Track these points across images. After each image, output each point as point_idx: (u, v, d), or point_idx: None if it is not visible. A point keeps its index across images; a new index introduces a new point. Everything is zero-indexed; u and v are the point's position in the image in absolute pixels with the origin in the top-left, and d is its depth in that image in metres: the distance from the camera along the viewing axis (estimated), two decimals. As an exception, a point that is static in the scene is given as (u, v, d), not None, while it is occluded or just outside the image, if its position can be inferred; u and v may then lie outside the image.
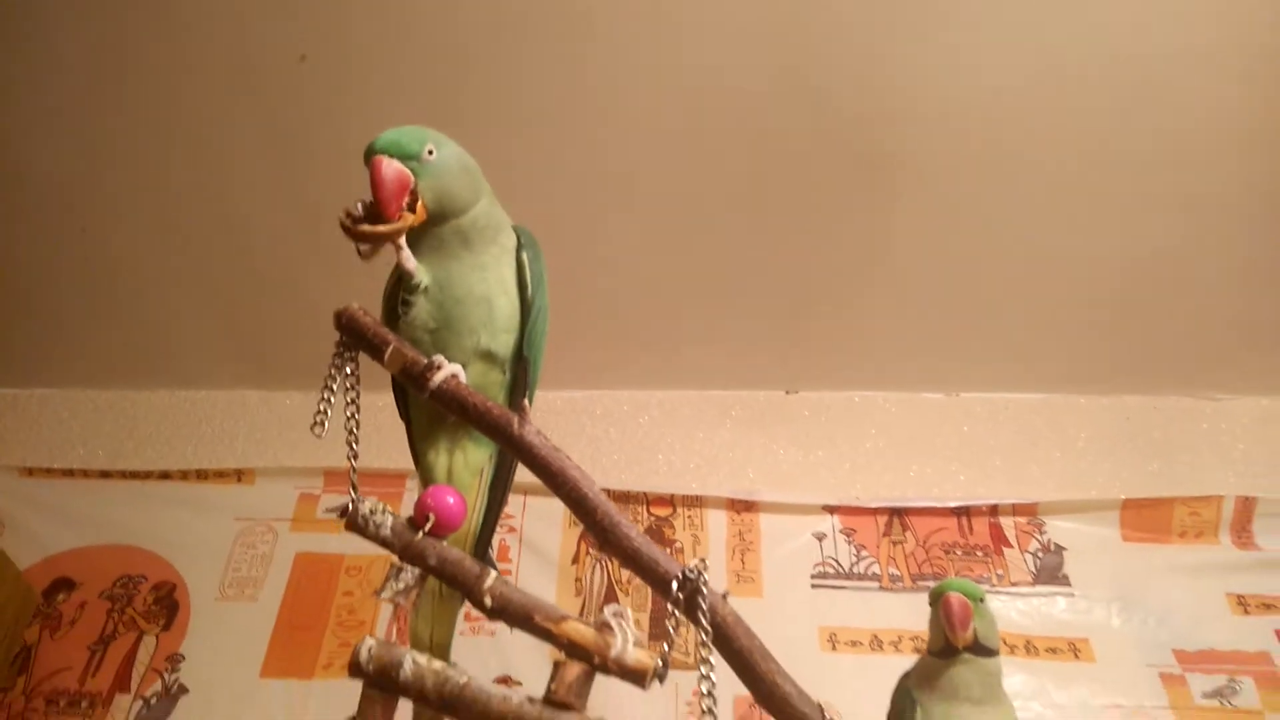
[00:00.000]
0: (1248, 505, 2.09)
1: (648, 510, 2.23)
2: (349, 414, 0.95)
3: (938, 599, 1.19)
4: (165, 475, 2.30)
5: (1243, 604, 2.00)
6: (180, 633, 2.05)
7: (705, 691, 0.82)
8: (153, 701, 1.94)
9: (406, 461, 1.12)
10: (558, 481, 0.89)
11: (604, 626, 0.85)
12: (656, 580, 0.88)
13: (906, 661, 1.93)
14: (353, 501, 0.93)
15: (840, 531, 2.17)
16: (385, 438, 2.36)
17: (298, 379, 2.48)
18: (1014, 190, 2.06)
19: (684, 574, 0.87)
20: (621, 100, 1.92)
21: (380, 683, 0.87)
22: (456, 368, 0.94)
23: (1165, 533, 2.11)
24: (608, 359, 2.40)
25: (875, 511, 2.20)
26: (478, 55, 1.89)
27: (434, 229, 0.98)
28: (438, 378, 0.92)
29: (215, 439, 2.39)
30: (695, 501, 2.23)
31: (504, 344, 1.00)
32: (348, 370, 0.95)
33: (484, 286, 0.99)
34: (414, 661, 0.87)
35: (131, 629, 2.05)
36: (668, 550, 2.19)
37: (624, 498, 2.23)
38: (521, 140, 1.95)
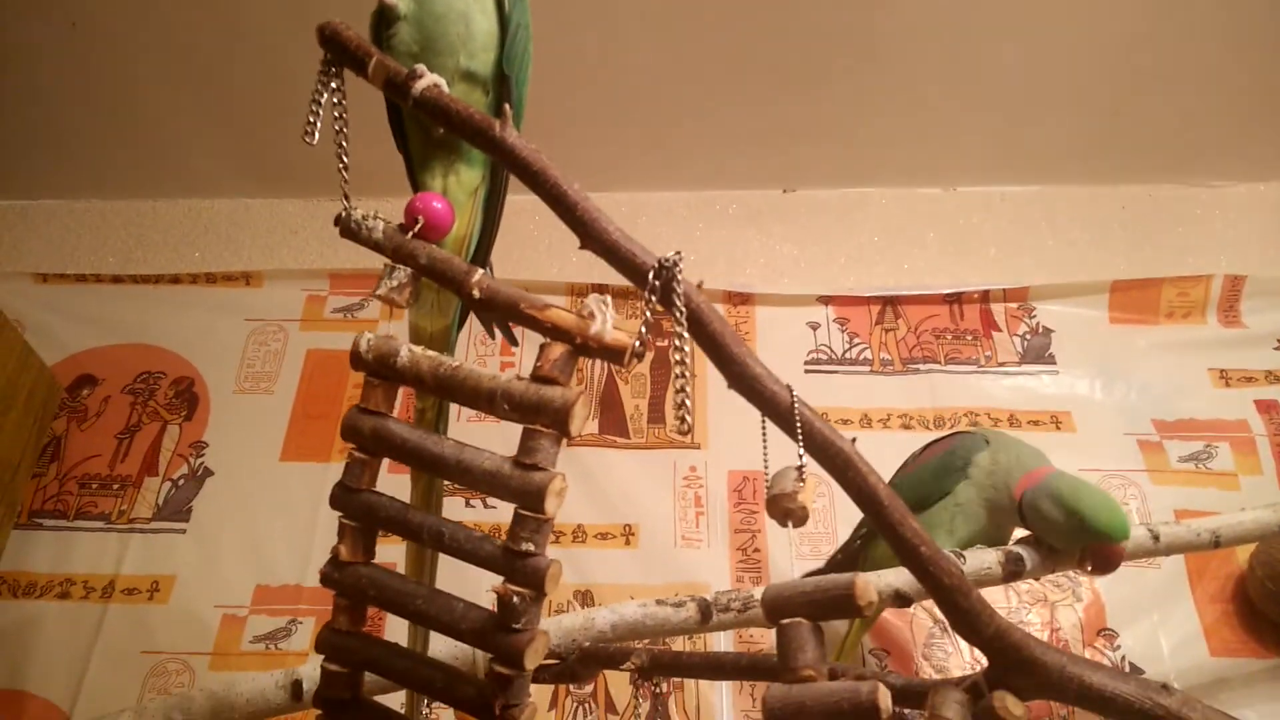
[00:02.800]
0: (1236, 284, 2.13)
1: (645, 306, 2.28)
2: (337, 128, 0.98)
3: (1100, 535, 1.22)
4: (175, 279, 2.35)
5: (1224, 378, 2.06)
6: (202, 423, 2.15)
7: (679, 360, 0.88)
8: (180, 483, 2.05)
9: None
10: (539, 181, 0.92)
11: (586, 311, 0.90)
12: (634, 271, 0.92)
13: (895, 437, 2.04)
14: (345, 209, 0.97)
15: (834, 321, 2.23)
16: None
17: (300, 187, 2.50)
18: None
19: (660, 262, 0.91)
20: None
21: (379, 371, 0.93)
22: (438, 78, 0.97)
23: (1153, 313, 2.15)
24: (604, 161, 2.40)
25: (869, 301, 2.25)
26: None
27: None
28: (419, 85, 0.94)
29: (222, 246, 2.43)
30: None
31: (484, 63, 1.03)
32: (333, 84, 0.97)
33: (462, 3, 1.01)
34: (409, 349, 0.93)
35: (155, 420, 2.15)
36: (665, 343, 2.26)
37: (622, 294, 2.28)
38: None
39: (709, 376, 2.13)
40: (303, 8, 2.05)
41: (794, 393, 0.93)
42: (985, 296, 2.21)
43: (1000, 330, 2.17)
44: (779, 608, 0.82)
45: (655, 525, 1.95)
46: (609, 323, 0.90)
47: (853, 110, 2.29)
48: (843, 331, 2.21)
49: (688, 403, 0.86)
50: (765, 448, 0.94)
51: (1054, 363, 2.11)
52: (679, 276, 0.91)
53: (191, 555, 1.95)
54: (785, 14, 2.08)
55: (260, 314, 2.30)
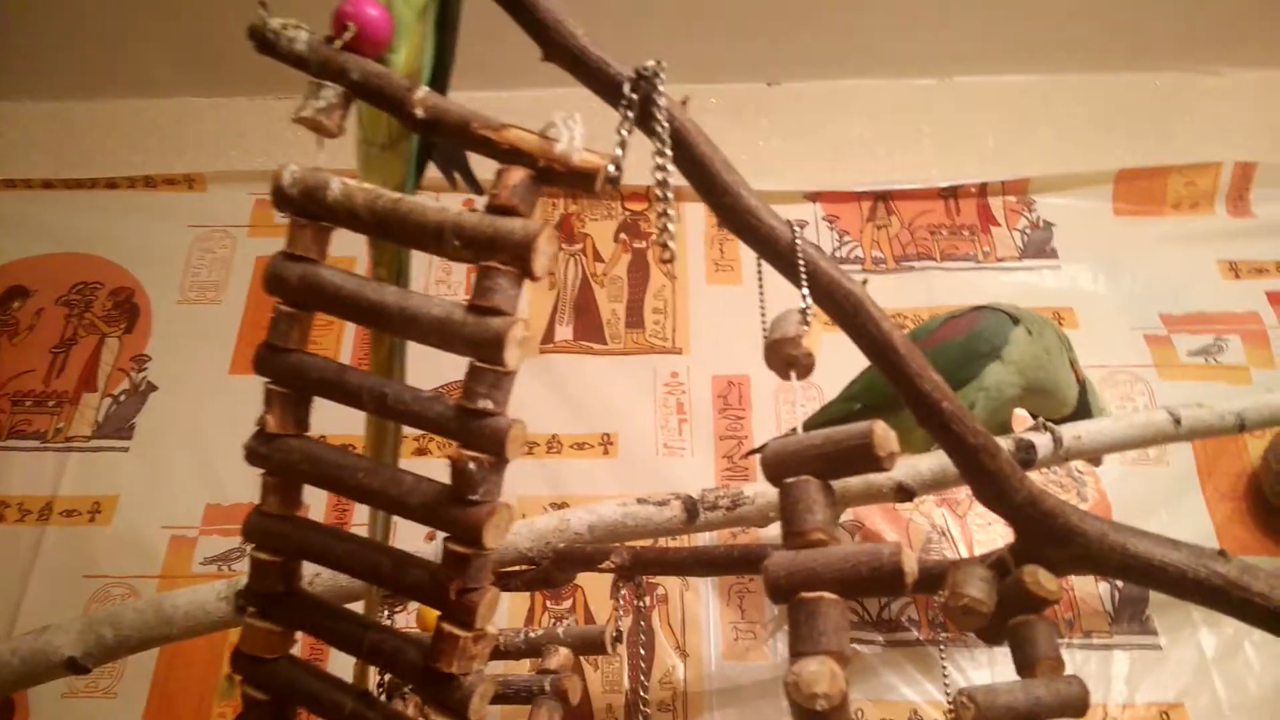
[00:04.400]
0: (1246, 172, 2.01)
1: (622, 205, 2.14)
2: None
3: None
4: (112, 184, 2.17)
5: (1234, 269, 1.95)
6: (143, 335, 1.99)
7: (661, 195, 0.74)
8: (121, 398, 1.90)
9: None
10: (491, -22, 0.77)
11: (549, 129, 0.76)
12: (606, 84, 0.78)
13: (888, 338, 1.91)
14: (261, 18, 0.81)
15: (823, 219, 2.09)
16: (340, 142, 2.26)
17: (247, 85, 2.31)
18: None
19: (638, 73, 0.77)
20: None
21: (307, 209, 0.79)
22: None
23: (1159, 204, 2.03)
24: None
25: (859, 196, 2.11)
26: None
27: None
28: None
29: (163, 148, 2.25)
30: (676, 195, 2.12)
31: None
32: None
33: None
34: (342, 182, 0.78)
35: (93, 332, 1.99)
36: (643, 244, 2.12)
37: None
38: None
39: (690, 275, 2.00)
40: None
41: (795, 229, 0.79)
42: (983, 190, 2.08)
43: (999, 225, 2.05)
44: (783, 465, 0.70)
45: (635, 434, 1.82)
46: (578, 140, 0.75)
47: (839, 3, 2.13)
48: (832, 229, 2.07)
49: (670, 227, 0.72)
50: (761, 292, 0.81)
51: (1056, 257, 1.99)
52: (660, 88, 0.76)
53: (136, 474, 1.81)
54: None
55: (205, 219, 2.13)
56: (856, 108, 2.26)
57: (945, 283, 1.97)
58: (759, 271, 0.81)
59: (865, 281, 0.79)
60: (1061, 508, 0.78)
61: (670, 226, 0.72)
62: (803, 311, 0.75)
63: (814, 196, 2.11)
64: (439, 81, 0.98)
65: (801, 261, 0.77)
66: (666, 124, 0.76)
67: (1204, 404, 1.33)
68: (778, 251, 0.78)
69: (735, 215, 0.79)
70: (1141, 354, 1.83)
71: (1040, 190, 2.07)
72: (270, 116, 2.29)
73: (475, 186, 1.06)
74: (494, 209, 0.75)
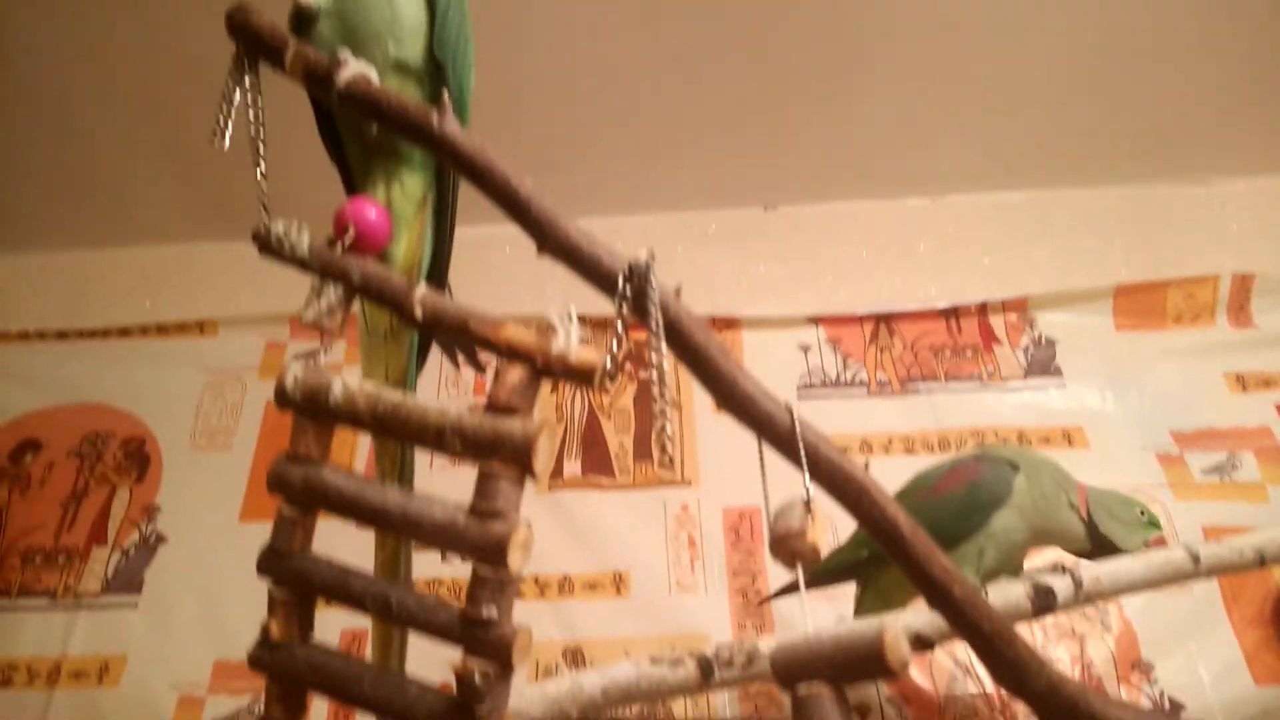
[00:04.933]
0: (1245, 283, 2.02)
1: (627, 336, 2.15)
2: (254, 132, 0.85)
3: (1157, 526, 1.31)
4: (125, 332, 2.21)
5: (1241, 382, 1.94)
6: (154, 484, 1.99)
7: (656, 379, 0.74)
8: (131, 552, 1.89)
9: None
10: (485, 179, 0.80)
11: (546, 327, 0.77)
12: (601, 278, 0.80)
13: (897, 463, 1.90)
14: (264, 224, 0.84)
15: (825, 342, 2.10)
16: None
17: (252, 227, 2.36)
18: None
19: (631, 267, 0.78)
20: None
21: (310, 409, 0.80)
22: (367, 66, 0.84)
23: (1160, 318, 2.04)
24: (575, 185, 2.28)
25: (861, 319, 2.12)
26: None
27: None
28: (344, 74, 0.82)
29: (174, 294, 2.29)
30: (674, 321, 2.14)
31: (414, 50, 0.90)
32: (246, 81, 0.85)
33: None
34: (344, 384, 0.79)
35: (103, 484, 1.99)
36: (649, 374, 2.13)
37: (601, 324, 2.15)
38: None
39: (696, 404, 2.00)
40: None
41: (794, 412, 0.79)
42: (983, 309, 2.09)
43: (1001, 343, 2.05)
44: (793, 670, 0.68)
45: (647, 571, 1.80)
46: (574, 339, 0.77)
47: (830, 123, 2.19)
48: (836, 353, 2.08)
49: (668, 428, 0.73)
50: (764, 478, 0.80)
51: (1061, 375, 1.99)
52: (653, 281, 0.78)
53: (144, 632, 1.78)
54: (755, 23, 1.98)
55: (216, 364, 2.16)
56: (853, 229, 2.30)
57: (951, 405, 1.96)
58: (760, 454, 0.81)
59: (867, 465, 0.79)
60: (1084, 694, 0.76)
61: (669, 428, 0.72)
62: (806, 503, 0.75)
63: (816, 320, 2.12)
64: (439, 265, 1.01)
65: (803, 446, 0.77)
66: (660, 319, 0.76)
67: (1223, 534, 1.32)
68: (777, 436, 0.78)
69: (733, 400, 0.79)
70: (1155, 474, 1.81)
71: (1040, 307, 2.08)
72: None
73: (477, 365, 1.07)
74: (494, 408, 0.76)
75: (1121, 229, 2.21)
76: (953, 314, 2.10)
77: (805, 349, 2.09)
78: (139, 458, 2.03)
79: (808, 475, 0.76)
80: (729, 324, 2.14)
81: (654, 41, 2.02)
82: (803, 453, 0.76)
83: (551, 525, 1.86)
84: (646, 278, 0.77)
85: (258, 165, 0.84)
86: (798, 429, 0.77)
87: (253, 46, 0.84)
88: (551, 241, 0.79)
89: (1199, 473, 1.83)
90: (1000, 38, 2.02)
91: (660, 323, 0.76)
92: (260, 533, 0.81)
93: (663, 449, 0.71)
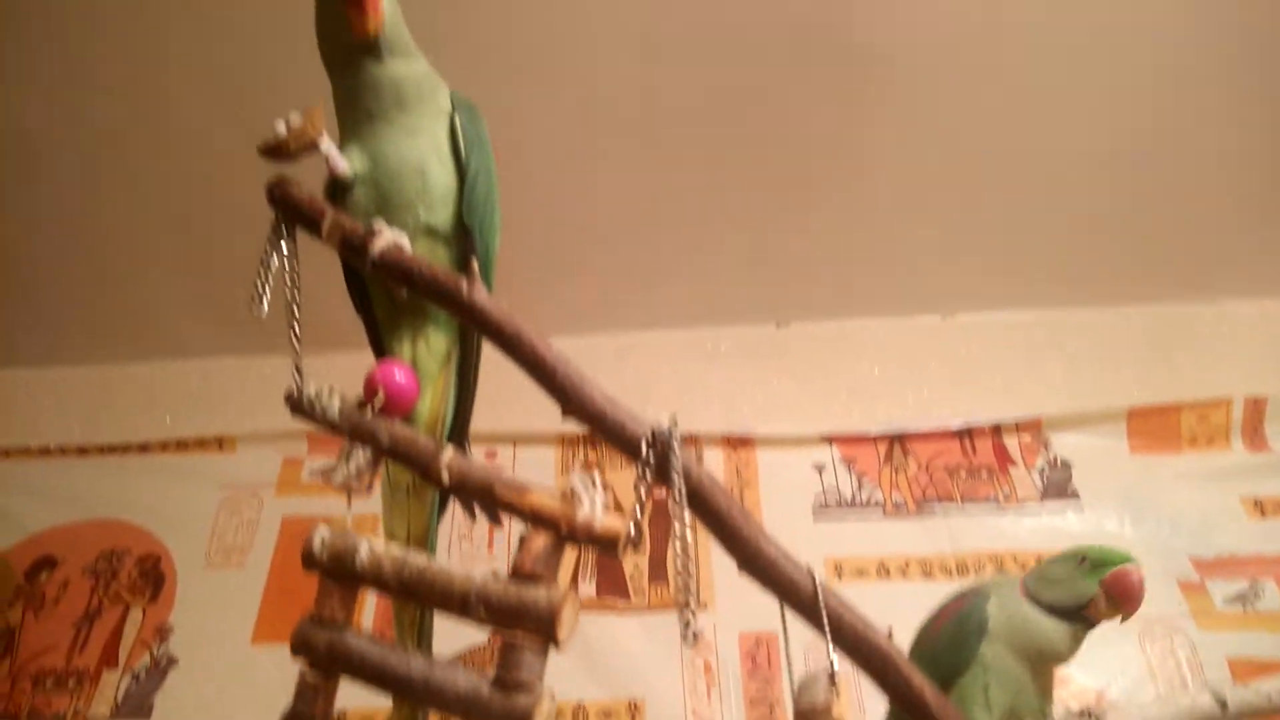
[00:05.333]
0: (1258, 406, 2.03)
1: (650, 501, 2.16)
2: (290, 296, 0.88)
3: (1103, 566, 1.11)
4: (144, 448, 2.23)
5: (1259, 507, 1.93)
6: (167, 604, 1.99)
7: (681, 549, 0.75)
8: (141, 675, 1.88)
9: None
10: (513, 345, 0.82)
11: (571, 493, 0.79)
12: (625, 443, 0.81)
13: (915, 588, 1.89)
14: (297, 385, 0.86)
15: (840, 461, 2.11)
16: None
17: (277, 343, 2.39)
18: (993, 92, 1.98)
19: (654, 433, 0.80)
20: (584, 13, 1.84)
21: (336, 572, 0.81)
22: (400, 235, 0.88)
23: (1174, 441, 2.04)
24: (588, 302, 2.33)
25: (875, 439, 2.13)
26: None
27: (371, 78, 0.92)
28: (378, 244, 0.85)
29: (194, 408, 2.32)
30: (689, 440, 2.14)
31: (444, 217, 0.94)
32: (284, 248, 0.88)
33: (416, 154, 0.93)
34: (370, 547, 0.81)
35: (117, 603, 1.99)
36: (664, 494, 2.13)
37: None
38: (476, 57, 1.88)
39: (712, 530, 1.99)
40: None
41: (817, 579, 0.80)
42: (997, 430, 2.10)
43: (1016, 464, 2.05)
44: None
45: (663, 700, 1.77)
46: (599, 507, 0.78)
47: (842, 239, 2.23)
48: (850, 472, 2.08)
49: (693, 605, 0.73)
50: (785, 644, 0.80)
51: (1077, 497, 1.99)
52: (676, 447, 0.80)
53: (152, 760, 1.76)
54: (771, 141, 2.04)
55: (233, 481, 2.17)
56: (864, 347, 2.32)
57: (968, 528, 1.96)
58: (783, 619, 0.81)
59: (890, 634, 0.79)
60: None
61: (694, 605, 0.73)
62: (830, 676, 0.75)
63: (830, 439, 2.13)
64: (462, 418, 1.02)
65: (826, 614, 0.77)
66: (684, 485, 0.78)
67: (1248, 667, 1.29)
68: (800, 602, 0.79)
69: (755, 565, 0.80)
70: (1177, 603, 1.79)
71: (1055, 428, 2.09)
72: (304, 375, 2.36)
73: (495, 519, 1.08)
74: (519, 576, 0.77)
75: (1132, 349, 2.23)
76: (967, 434, 2.11)
77: (820, 468, 2.10)
78: (154, 576, 2.03)
79: (831, 644, 0.76)
80: (743, 442, 2.15)
81: (668, 162, 2.08)
82: (826, 621, 0.76)
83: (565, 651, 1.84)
84: (669, 444, 0.79)
85: (292, 328, 0.87)
86: (821, 596, 0.77)
87: (291, 216, 0.87)
88: (576, 406, 0.81)
89: (1221, 602, 1.80)
90: (1011, 159, 2.08)
91: (684, 490, 0.77)
92: (272, 656, 0.82)
93: (686, 626, 0.72)
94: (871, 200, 2.15)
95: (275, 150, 0.85)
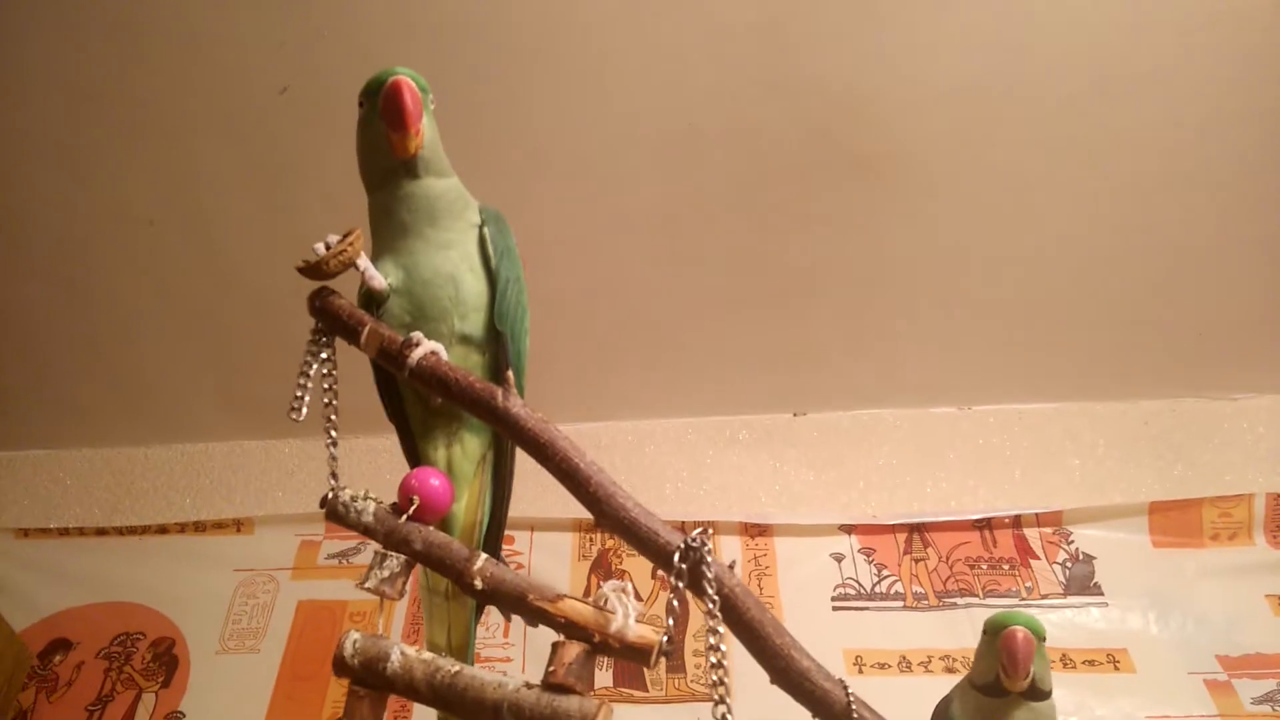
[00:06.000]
0: (1279, 502, 2.01)
1: (670, 593, 2.15)
2: (326, 400, 0.90)
3: (998, 632, 1.08)
4: (163, 529, 2.24)
5: (1285, 605, 1.91)
6: (180, 689, 1.97)
7: (715, 662, 0.76)
8: (151, 766, 1.86)
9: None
10: (547, 454, 0.84)
11: (603, 603, 0.79)
12: (657, 553, 0.82)
13: (937, 682, 1.86)
14: (332, 489, 0.88)
15: (859, 551, 2.09)
16: (388, 484, 2.33)
17: (296, 426, 2.42)
18: (1013, 189, 2.02)
19: (686, 544, 0.81)
20: (608, 112, 1.90)
21: (367, 678, 0.81)
22: (436, 344, 0.90)
23: (1196, 536, 2.02)
24: (608, 390, 2.35)
25: (894, 529, 2.12)
26: (459, 74, 1.87)
27: (407, 195, 0.95)
28: (416, 354, 0.88)
29: (213, 490, 2.34)
30: (708, 528, 2.15)
31: (477, 324, 0.97)
32: (324, 355, 0.90)
33: (449, 265, 0.96)
34: (402, 653, 0.81)
35: (130, 687, 1.98)
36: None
37: (634, 527, 2.16)
38: (505, 161, 1.94)
39: (730, 621, 1.98)
40: (289, 240, 2.07)
41: (849, 691, 0.80)
42: (1017, 521, 2.09)
43: (1038, 557, 2.04)
44: None
45: (680, 796, 1.74)
46: (631, 616, 0.79)
47: (858, 331, 2.25)
48: (869, 563, 2.07)
49: (728, 716, 0.73)
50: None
51: (1101, 593, 1.96)
52: (708, 558, 0.80)
53: None
54: (790, 233, 2.08)
55: (250, 563, 2.17)
56: (882, 437, 2.33)
57: (990, 622, 1.93)
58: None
59: (921, 751, 0.79)
60: None
61: (725, 683, 0.73)
62: (862, 795, 0.74)
63: (849, 529, 2.12)
64: (497, 521, 1.03)
65: (857, 729, 0.77)
66: (717, 596, 0.78)
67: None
68: (833, 715, 0.78)
69: (788, 677, 0.80)
70: (1204, 703, 1.76)
71: (1075, 521, 2.08)
72: (319, 457, 2.37)
73: (533, 623, 1.08)
74: (551, 686, 0.77)
75: (1152, 443, 2.22)
76: (987, 525, 2.10)
77: (839, 558, 2.09)
78: (167, 660, 2.02)
79: (863, 761, 0.76)
80: (761, 530, 2.14)
81: (688, 257, 2.12)
82: (858, 737, 0.76)
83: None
84: (702, 556, 0.79)
85: (329, 434, 0.89)
86: (854, 710, 0.77)
87: (331, 326, 0.89)
88: (609, 516, 0.82)
89: (1249, 701, 1.77)
90: (1028, 255, 2.11)
91: (717, 601, 0.78)
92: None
93: (722, 734, 0.72)
94: (888, 293, 2.18)
95: (315, 270, 0.88)
